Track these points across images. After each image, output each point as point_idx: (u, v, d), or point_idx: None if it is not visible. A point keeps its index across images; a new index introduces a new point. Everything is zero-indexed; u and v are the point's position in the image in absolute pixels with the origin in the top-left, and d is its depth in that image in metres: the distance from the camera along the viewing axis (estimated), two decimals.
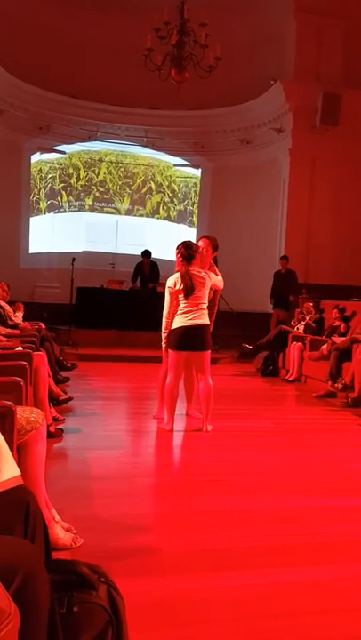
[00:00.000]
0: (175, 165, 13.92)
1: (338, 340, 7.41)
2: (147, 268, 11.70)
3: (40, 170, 13.20)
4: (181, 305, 5.02)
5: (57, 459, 4.04)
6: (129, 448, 4.73)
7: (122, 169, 13.75)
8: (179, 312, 5.03)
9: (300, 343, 8.41)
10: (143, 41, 9.04)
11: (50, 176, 13.29)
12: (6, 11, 11.34)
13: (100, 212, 13.70)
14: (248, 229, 12.76)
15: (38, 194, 13.22)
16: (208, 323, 5.13)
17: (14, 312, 7.07)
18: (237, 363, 9.81)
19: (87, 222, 13.60)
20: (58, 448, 4.31)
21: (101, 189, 13.66)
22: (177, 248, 5.16)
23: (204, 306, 5.09)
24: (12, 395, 2.74)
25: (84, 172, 13.54)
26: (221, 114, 12.74)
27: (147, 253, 11.72)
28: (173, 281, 5.06)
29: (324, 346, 7.61)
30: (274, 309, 10.83)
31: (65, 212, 13.49)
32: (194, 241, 5.76)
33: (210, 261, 5.40)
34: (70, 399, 5.60)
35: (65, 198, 13.44)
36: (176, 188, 14.04)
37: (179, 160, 13.81)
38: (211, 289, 5.25)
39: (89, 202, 13.59)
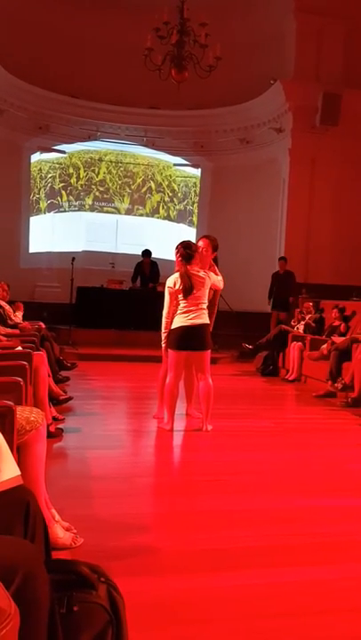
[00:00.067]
0: (175, 165, 13.92)
1: (338, 339, 7.41)
2: (147, 267, 11.70)
3: (40, 169, 13.20)
4: (181, 305, 5.02)
5: (57, 458, 4.04)
6: (129, 448, 4.73)
7: (122, 168, 13.75)
8: (178, 312, 5.03)
9: (299, 343, 8.41)
10: (143, 41, 9.05)
11: (50, 176, 13.29)
12: (6, 11, 11.34)
13: (99, 211, 13.70)
14: (248, 229, 12.76)
15: (38, 193, 13.22)
16: (208, 322, 5.13)
17: (14, 312, 7.07)
18: (237, 362, 9.81)
19: (87, 222, 13.60)
20: (58, 448, 4.31)
21: (101, 189, 13.66)
22: (176, 248, 5.16)
23: (204, 306, 5.09)
24: (11, 394, 2.74)
25: (84, 171, 13.54)
26: (221, 113, 12.74)
27: (147, 253, 11.72)
28: (173, 281, 5.06)
29: (324, 345, 7.61)
30: (273, 310, 10.82)
31: (65, 211, 13.49)
32: (194, 241, 5.76)
33: (210, 261, 5.40)
34: (70, 399, 5.60)
35: (65, 198, 13.44)
36: (176, 188, 14.04)
37: (179, 160, 13.81)
38: (211, 289, 5.25)
39: (89, 201, 13.59)
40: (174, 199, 14.04)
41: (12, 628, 1.14)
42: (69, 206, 13.50)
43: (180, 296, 5.01)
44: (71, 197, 13.48)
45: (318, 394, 7.07)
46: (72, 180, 13.46)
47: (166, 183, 13.98)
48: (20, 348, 4.38)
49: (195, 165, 13.85)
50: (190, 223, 13.98)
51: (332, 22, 11.52)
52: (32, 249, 12.99)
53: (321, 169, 11.77)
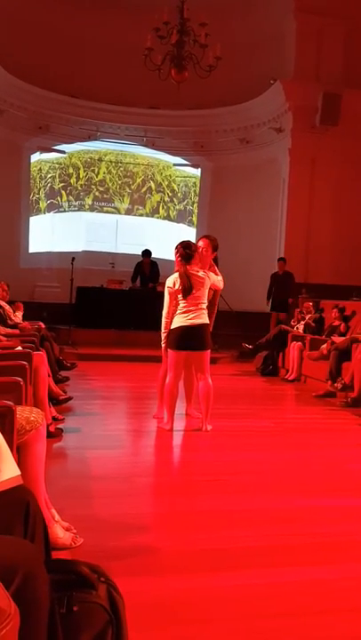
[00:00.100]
0: (175, 165, 13.92)
1: (338, 339, 7.41)
2: (147, 267, 11.69)
3: (40, 169, 13.21)
4: (181, 305, 5.02)
5: (57, 458, 4.04)
6: (129, 448, 4.73)
7: (121, 168, 13.75)
8: (178, 312, 5.03)
9: (299, 343, 8.41)
10: (143, 40, 9.05)
11: (49, 176, 13.29)
12: (6, 11, 11.34)
13: (99, 211, 13.70)
14: (248, 229, 12.76)
15: (38, 193, 13.22)
16: (207, 322, 5.13)
17: (14, 311, 7.07)
18: (237, 362, 9.81)
19: (87, 222, 13.60)
20: (57, 448, 4.31)
21: (101, 189, 13.66)
22: (176, 248, 5.16)
23: (204, 305, 5.09)
24: (11, 394, 2.74)
25: (84, 171, 13.54)
26: (221, 113, 12.74)
27: (147, 253, 11.71)
28: (172, 281, 5.06)
29: (324, 345, 7.61)
30: (272, 311, 10.81)
31: (65, 211, 13.49)
32: (194, 241, 5.76)
33: (210, 261, 5.40)
34: (70, 399, 5.60)
35: (65, 198, 13.44)
36: (176, 188, 14.04)
37: (178, 160, 13.81)
38: (211, 289, 5.25)
39: (89, 201, 13.59)
40: (174, 199, 14.04)
41: (12, 628, 1.14)
42: (69, 206, 13.50)
43: (180, 296, 5.01)
44: (71, 197, 13.49)
45: (318, 394, 7.07)
46: (72, 180, 13.46)
47: (166, 183, 13.98)
48: (19, 348, 4.38)
49: (195, 165, 13.85)
50: (190, 223, 13.98)
51: (332, 22, 11.53)
52: (32, 249, 12.99)
53: (321, 169, 11.77)
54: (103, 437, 4.76)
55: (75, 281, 10.40)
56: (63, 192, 13.41)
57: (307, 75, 11.51)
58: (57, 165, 13.33)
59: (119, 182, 13.74)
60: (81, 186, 13.54)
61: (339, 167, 11.65)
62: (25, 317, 7.26)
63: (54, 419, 4.80)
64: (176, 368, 5.06)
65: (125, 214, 13.81)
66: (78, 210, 13.56)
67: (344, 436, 5.28)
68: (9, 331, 5.77)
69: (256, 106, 12.35)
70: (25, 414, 2.49)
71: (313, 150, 11.68)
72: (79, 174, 13.52)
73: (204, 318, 5.06)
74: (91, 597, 1.44)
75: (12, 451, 2.00)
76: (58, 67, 12.02)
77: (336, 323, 8.20)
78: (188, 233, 13.23)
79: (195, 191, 13.98)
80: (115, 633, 1.45)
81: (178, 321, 5.01)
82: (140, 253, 11.77)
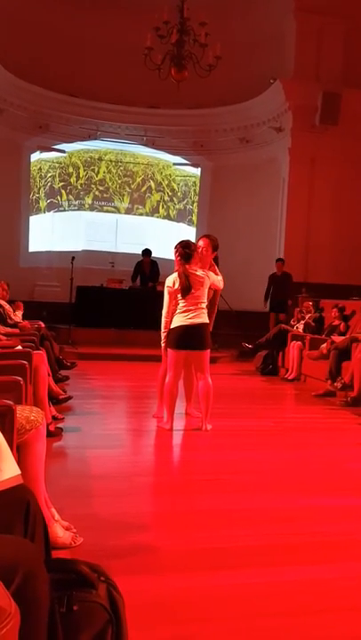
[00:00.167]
0: (175, 164, 13.92)
1: (337, 339, 7.41)
2: (147, 266, 11.69)
3: (40, 169, 13.20)
4: (180, 304, 5.02)
5: (56, 458, 4.04)
6: (128, 447, 4.73)
7: (121, 168, 13.75)
8: (178, 311, 5.03)
9: (299, 342, 8.41)
10: (143, 40, 9.04)
11: (49, 175, 13.29)
12: (6, 10, 11.34)
13: (99, 210, 13.70)
14: (248, 228, 12.76)
15: (38, 193, 13.22)
16: (207, 322, 5.13)
17: (14, 311, 7.07)
18: (237, 362, 9.81)
19: (87, 221, 13.60)
20: (57, 447, 4.31)
21: (101, 188, 13.66)
22: (175, 247, 5.16)
23: (204, 305, 5.09)
24: (11, 394, 2.74)
25: (84, 170, 13.54)
26: (221, 113, 12.74)
27: (147, 252, 11.71)
28: (172, 280, 5.06)
29: (324, 345, 7.61)
30: (271, 312, 10.81)
31: (65, 210, 13.49)
32: (193, 240, 5.76)
33: (210, 261, 5.40)
34: (70, 398, 5.60)
35: (64, 197, 13.44)
36: (176, 187, 14.04)
37: (178, 159, 13.81)
38: (211, 288, 5.25)
39: (88, 201, 13.59)
40: (174, 198, 14.04)
41: (13, 628, 1.14)
42: (69, 205, 13.50)
43: (179, 295, 5.01)
44: (71, 197, 13.49)
45: (318, 393, 7.07)
46: (72, 180, 13.46)
47: (166, 182, 13.99)
48: (19, 348, 4.38)
49: (194, 165, 13.85)
50: (190, 222, 13.98)
51: (331, 22, 11.53)
52: (32, 248, 12.99)
53: (321, 168, 11.77)
54: (103, 437, 4.76)
55: (75, 280, 10.40)
56: (63, 191, 13.41)
57: (307, 74, 11.51)
58: (57, 165, 13.33)
59: (119, 181, 13.74)
60: (81, 185, 13.54)
61: (338, 166, 11.65)
62: (25, 317, 7.26)
63: (54, 418, 4.81)
64: (176, 367, 5.06)
65: (125, 213, 13.82)
66: (78, 209, 13.56)
67: (344, 436, 5.28)
68: (9, 330, 5.77)
69: (256, 105, 12.35)
70: (25, 413, 2.49)
71: (313, 150, 11.68)
72: (79, 173, 13.52)
73: (203, 318, 5.06)
74: (91, 597, 1.44)
75: (12, 450, 2.01)
76: (58, 66, 12.03)
77: (336, 322, 8.20)
78: (188, 232, 13.24)
79: (195, 190, 13.98)
80: (115, 632, 1.45)
81: (177, 320, 5.01)
82: (141, 253, 11.77)
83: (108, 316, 10.80)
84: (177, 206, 14.05)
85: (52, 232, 13.35)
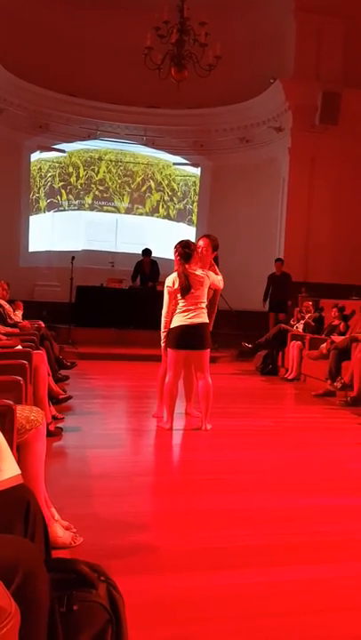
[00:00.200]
0: (175, 164, 13.92)
1: (337, 338, 7.41)
2: (147, 266, 11.69)
3: (40, 168, 13.20)
4: (180, 304, 5.02)
5: (56, 457, 4.04)
6: (128, 447, 4.73)
7: (121, 167, 13.74)
8: (177, 311, 5.03)
9: (299, 342, 8.41)
10: (143, 40, 9.04)
11: (49, 175, 13.29)
12: (6, 10, 11.33)
13: (99, 210, 13.70)
14: (247, 228, 12.76)
15: (38, 192, 13.22)
16: (207, 322, 5.13)
17: (14, 310, 7.07)
18: (237, 361, 9.81)
19: (87, 221, 13.60)
20: (57, 447, 4.31)
21: (101, 188, 13.66)
22: (175, 247, 5.16)
23: (203, 305, 5.09)
24: (11, 393, 2.74)
25: (84, 170, 13.54)
26: (221, 112, 12.74)
27: (147, 252, 11.71)
28: (172, 280, 5.06)
29: (324, 345, 7.61)
30: (270, 312, 10.80)
31: (64, 210, 13.49)
32: (193, 240, 5.76)
33: (210, 261, 5.40)
34: (70, 398, 5.60)
35: (64, 197, 13.44)
36: (175, 187, 14.03)
37: (178, 159, 13.81)
38: (211, 288, 5.25)
39: (88, 200, 13.59)
40: (174, 198, 14.04)
41: (13, 627, 1.14)
42: (69, 205, 13.50)
43: (179, 295, 5.01)
44: (71, 196, 13.49)
45: (318, 393, 7.07)
46: (72, 179, 13.46)
47: (166, 182, 13.98)
48: (19, 347, 4.38)
49: (194, 164, 13.85)
50: (190, 222, 13.98)
51: (331, 21, 11.53)
52: (32, 248, 12.99)
53: (320, 168, 11.77)
54: (103, 436, 4.76)
55: (74, 280, 10.40)
56: (63, 191, 13.41)
57: (306, 74, 11.51)
58: (57, 164, 13.33)
59: (119, 181, 13.74)
60: (81, 185, 13.54)
61: (338, 166, 11.65)
62: (25, 316, 7.26)
63: (54, 418, 4.81)
64: (176, 367, 5.06)
65: (125, 213, 13.82)
66: (78, 209, 13.56)
67: (343, 435, 5.28)
68: (9, 330, 5.77)
69: (256, 105, 12.35)
70: (25, 413, 2.49)
71: (313, 149, 11.68)
72: (79, 173, 13.52)
73: (203, 317, 5.06)
74: (91, 596, 1.44)
75: (12, 450, 2.01)
76: (58, 65, 12.02)
77: (336, 322, 8.20)
78: (188, 232, 13.24)
79: (194, 190, 13.98)
80: (114, 632, 1.45)
81: (177, 320, 5.01)
82: (141, 252, 11.77)
83: (107, 316, 10.80)
84: (177, 206, 14.05)
85: (52, 232, 13.35)
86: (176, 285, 5.00)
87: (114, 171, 13.70)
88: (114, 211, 13.76)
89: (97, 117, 12.92)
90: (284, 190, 12.12)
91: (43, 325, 6.98)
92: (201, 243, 5.38)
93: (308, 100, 11.31)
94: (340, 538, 2.89)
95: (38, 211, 13.22)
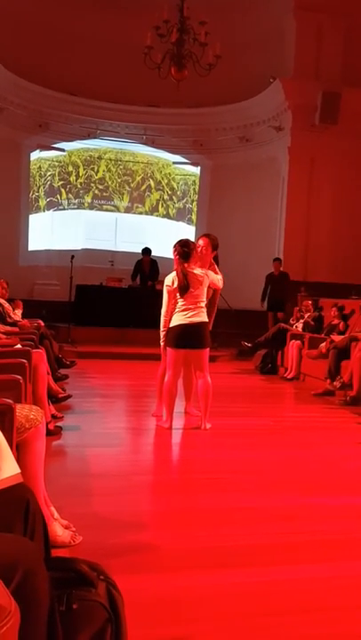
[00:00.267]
0: (174, 163, 13.91)
1: (337, 338, 7.41)
2: (146, 265, 11.69)
3: (39, 167, 13.19)
4: (180, 303, 5.02)
5: (56, 456, 4.04)
6: (128, 446, 4.74)
7: (121, 166, 13.74)
8: (177, 310, 5.03)
9: (298, 341, 8.41)
10: (143, 39, 9.03)
11: (49, 174, 13.28)
12: (6, 9, 11.32)
13: (99, 209, 13.70)
14: (247, 227, 12.76)
15: (37, 191, 13.21)
16: (206, 321, 5.13)
17: (13, 309, 7.07)
18: (236, 360, 9.81)
19: (86, 220, 13.59)
20: (57, 446, 4.31)
21: (100, 187, 13.66)
22: (174, 246, 5.16)
23: (203, 304, 5.09)
24: (11, 392, 2.74)
25: (84, 169, 13.53)
26: (221, 112, 12.73)
27: (147, 251, 11.70)
28: (171, 279, 5.06)
29: (323, 344, 7.61)
30: (269, 311, 10.80)
31: (64, 209, 13.48)
32: (193, 239, 5.76)
33: (210, 260, 5.40)
34: (69, 397, 5.60)
35: (64, 196, 13.44)
36: (175, 186, 14.03)
37: (178, 158, 13.80)
38: (210, 287, 5.25)
39: (88, 199, 13.58)
40: (173, 197, 14.04)
41: (12, 626, 1.14)
42: (69, 204, 13.50)
43: (178, 294, 5.01)
44: (70, 195, 13.48)
45: (317, 392, 7.08)
46: (71, 179, 13.46)
47: (165, 181, 13.98)
48: (19, 346, 4.38)
49: (194, 163, 13.84)
50: (189, 221, 13.98)
51: (331, 20, 11.52)
52: (31, 247, 12.98)
53: (320, 167, 11.77)
54: (102, 435, 4.76)
55: (74, 279, 10.40)
56: (63, 190, 13.41)
57: (306, 73, 11.50)
58: (56, 163, 13.32)
59: (119, 180, 13.74)
60: (80, 184, 13.53)
61: (338, 166, 11.65)
62: (24, 315, 7.26)
63: (53, 417, 4.81)
64: (175, 366, 5.06)
65: (125, 212, 13.81)
66: (78, 208, 13.55)
67: (343, 435, 5.28)
68: (8, 328, 5.77)
69: (256, 104, 12.34)
70: (24, 412, 2.49)
71: (312, 149, 11.68)
72: (79, 172, 13.51)
73: (202, 316, 5.06)
74: (90, 595, 1.44)
75: (11, 449, 2.01)
76: (57, 65, 12.01)
77: (335, 321, 8.20)
78: (188, 231, 13.23)
79: (194, 189, 13.98)
80: (114, 631, 1.45)
81: (177, 319, 5.01)
82: (141, 251, 11.76)
83: (107, 315, 10.80)
84: (176, 205, 14.05)
85: (52, 231, 13.34)
86: (175, 284, 5.00)
87: (113, 170, 13.70)
88: (113, 210, 13.76)
89: (97, 116, 12.90)
90: (283, 189, 12.12)
91: (42, 324, 6.98)
92: (201, 242, 5.38)
93: (307, 100, 11.30)
94: (340, 537, 2.90)
95: (38, 209, 13.21)
